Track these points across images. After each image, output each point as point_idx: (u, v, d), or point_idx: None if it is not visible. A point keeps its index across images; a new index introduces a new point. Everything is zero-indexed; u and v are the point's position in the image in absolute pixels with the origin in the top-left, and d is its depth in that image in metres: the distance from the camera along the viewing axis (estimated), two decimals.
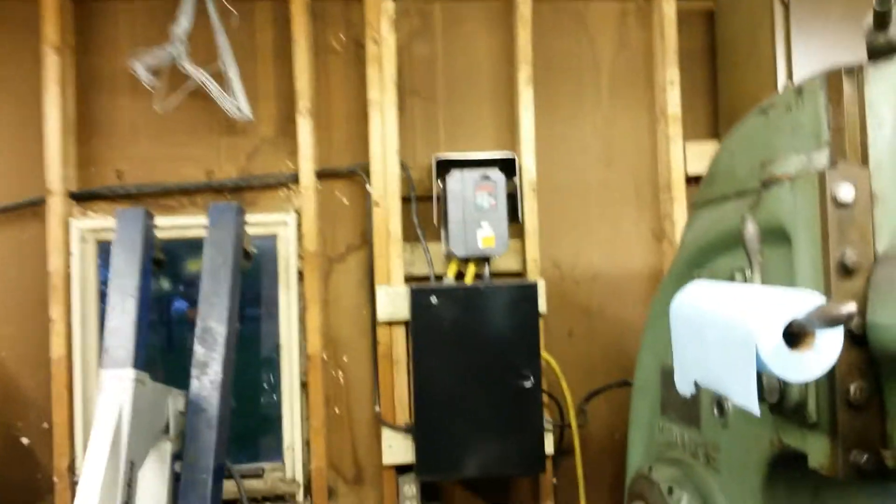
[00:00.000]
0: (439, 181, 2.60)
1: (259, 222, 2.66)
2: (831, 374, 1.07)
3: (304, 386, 2.67)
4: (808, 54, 2.33)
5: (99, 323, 2.60)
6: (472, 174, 2.53)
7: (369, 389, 2.70)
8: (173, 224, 2.62)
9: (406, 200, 2.68)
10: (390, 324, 2.62)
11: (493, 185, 2.53)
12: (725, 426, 1.51)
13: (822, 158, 1.23)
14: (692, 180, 2.75)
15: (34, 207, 2.61)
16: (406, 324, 2.60)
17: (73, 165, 2.64)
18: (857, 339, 1.08)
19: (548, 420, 2.60)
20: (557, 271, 2.81)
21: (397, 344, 2.62)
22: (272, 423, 2.74)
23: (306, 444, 2.66)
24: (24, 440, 2.59)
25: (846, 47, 2.28)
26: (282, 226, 2.70)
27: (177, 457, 1.95)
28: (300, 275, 2.68)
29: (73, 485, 2.45)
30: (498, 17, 2.82)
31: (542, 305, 2.57)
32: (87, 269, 2.64)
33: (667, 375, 1.84)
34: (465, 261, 2.61)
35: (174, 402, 1.98)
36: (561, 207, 2.82)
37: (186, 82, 2.59)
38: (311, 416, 2.63)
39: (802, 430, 1.19)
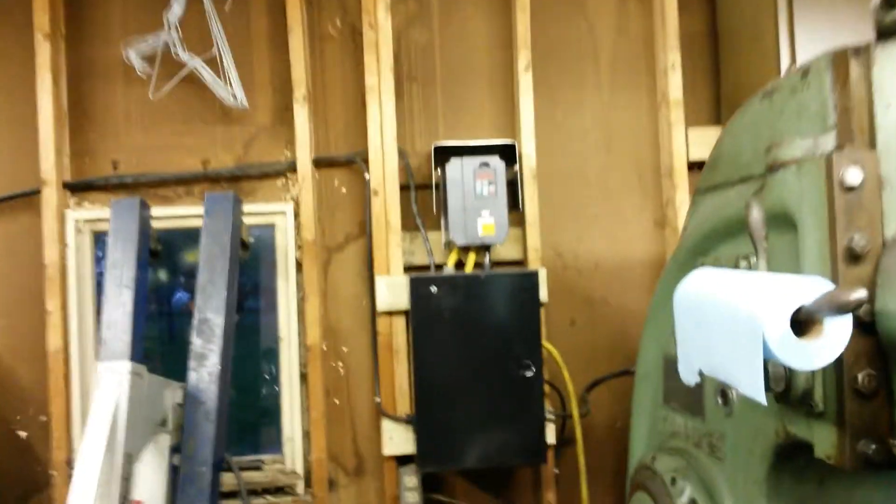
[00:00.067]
0: (438, 169, 2.57)
1: (256, 212, 2.64)
2: (839, 363, 1.05)
3: (303, 377, 2.66)
4: (811, 37, 2.29)
5: (96, 315, 2.59)
6: (472, 161, 2.50)
7: (369, 380, 2.68)
8: (169, 214, 2.61)
9: (405, 189, 2.66)
10: (390, 314, 2.60)
11: (492, 172, 2.51)
12: (729, 415, 1.49)
13: (828, 142, 1.20)
14: (694, 166, 2.72)
15: (28, 198, 2.59)
16: (406, 313, 2.58)
17: (67, 155, 2.61)
18: (865, 326, 1.06)
19: (549, 410, 2.58)
20: (559, 260, 2.79)
21: (397, 334, 2.60)
22: (273, 414, 2.73)
23: (306, 435, 2.65)
24: (22, 433, 2.58)
25: (851, 30, 2.24)
26: (280, 215, 2.68)
27: (175, 450, 1.94)
28: (299, 265, 2.66)
29: (71, 478, 2.44)
30: (496, 2, 2.77)
31: (544, 294, 2.55)
32: (82, 260, 2.62)
33: (670, 364, 1.82)
34: (465, 249, 2.59)
35: (172, 395, 1.97)
36: (562, 195, 2.79)
37: (180, 70, 2.56)
38: (310, 407, 2.61)
39: (809, 419, 1.16)
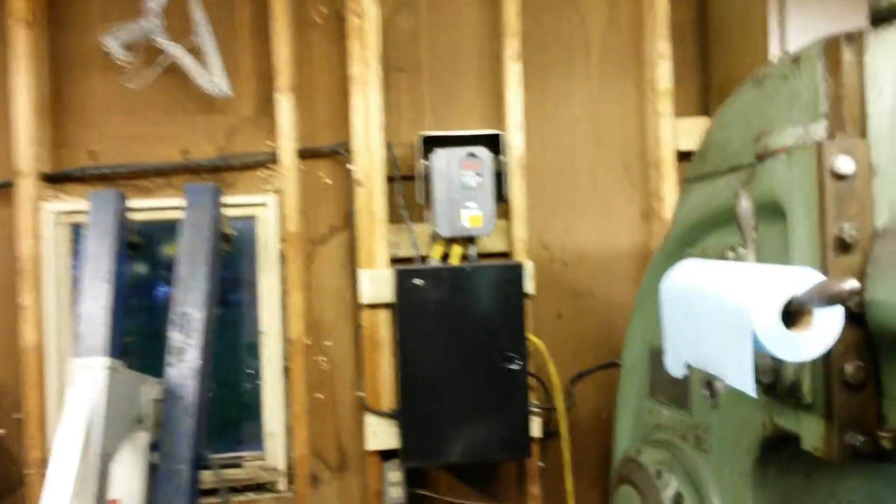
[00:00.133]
0: (424, 160, 2.53)
1: (238, 204, 2.59)
2: (827, 354, 1.03)
3: (286, 371, 2.62)
4: (802, 27, 2.27)
5: (73, 309, 2.53)
6: (458, 152, 2.47)
7: (353, 374, 2.65)
8: (149, 206, 2.55)
9: (390, 180, 2.62)
10: (374, 307, 2.57)
11: (479, 162, 2.48)
12: (715, 408, 1.47)
13: (819, 130, 1.19)
14: (683, 157, 2.70)
15: (3, 190, 2.52)
16: (390, 307, 2.55)
17: (44, 146, 2.55)
18: (854, 317, 1.04)
19: (534, 403, 2.57)
20: (546, 252, 2.76)
21: (381, 327, 2.57)
22: (254, 410, 2.69)
23: (288, 430, 2.61)
24: None
25: (842, 19, 2.22)
26: (262, 207, 2.63)
27: (153, 447, 1.89)
28: (281, 257, 2.62)
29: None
30: None
31: (530, 286, 2.52)
32: (59, 253, 2.56)
33: (655, 356, 1.80)
34: (450, 241, 2.56)
35: (150, 391, 1.93)
36: (549, 186, 2.76)
37: (161, 58, 2.51)
38: (293, 402, 2.58)
39: (797, 411, 1.15)
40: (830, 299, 0.84)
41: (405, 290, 2.39)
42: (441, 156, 2.48)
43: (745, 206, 1.22)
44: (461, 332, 2.39)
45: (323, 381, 2.66)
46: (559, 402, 2.62)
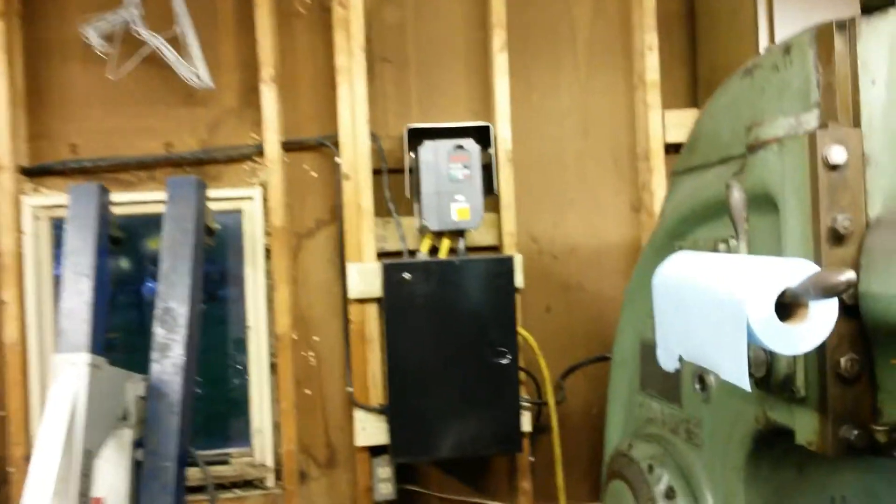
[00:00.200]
0: (411, 152, 2.50)
1: (223, 197, 2.56)
2: (821, 347, 1.02)
3: (273, 367, 2.59)
4: (791, 19, 2.26)
5: (55, 305, 2.49)
6: (446, 144, 2.45)
7: (341, 369, 2.63)
8: (131, 200, 2.52)
9: (377, 173, 2.59)
10: (362, 301, 2.54)
11: (467, 155, 2.45)
12: (707, 401, 1.46)
13: (811, 120, 1.17)
14: (671, 149, 2.69)
15: None
16: (379, 301, 2.53)
17: (23, 139, 2.52)
18: (848, 309, 1.03)
19: (525, 397, 2.55)
20: (535, 245, 2.75)
21: (370, 322, 2.55)
22: (241, 406, 2.66)
23: (276, 427, 2.59)
24: None
25: (831, 11, 2.20)
26: (247, 201, 2.60)
27: (138, 444, 1.87)
28: (267, 252, 2.60)
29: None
30: None
31: (519, 280, 2.51)
32: (40, 248, 2.53)
33: (647, 350, 1.79)
34: (439, 235, 2.54)
35: (134, 388, 1.90)
36: (537, 179, 2.74)
37: (141, 49, 2.46)
38: (280, 398, 2.55)
39: (790, 405, 1.14)
40: (827, 291, 0.82)
41: (393, 285, 2.37)
42: (429, 148, 2.45)
43: (736, 196, 1.21)
44: (450, 326, 2.37)
45: (311, 376, 2.64)
46: (550, 397, 2.61)
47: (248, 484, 2.56)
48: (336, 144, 2.58)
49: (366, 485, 2.56)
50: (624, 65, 2.78)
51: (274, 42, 2.54)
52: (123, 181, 2.56)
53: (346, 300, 2.57)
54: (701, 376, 1.45)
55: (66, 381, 1.72)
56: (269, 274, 2.59)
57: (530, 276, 2.67)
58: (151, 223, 2.57)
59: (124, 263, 3.10)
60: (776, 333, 0.88)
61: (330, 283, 2.64)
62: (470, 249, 2.57)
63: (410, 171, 2.52)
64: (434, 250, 2.55)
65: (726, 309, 0.93)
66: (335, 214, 2.62)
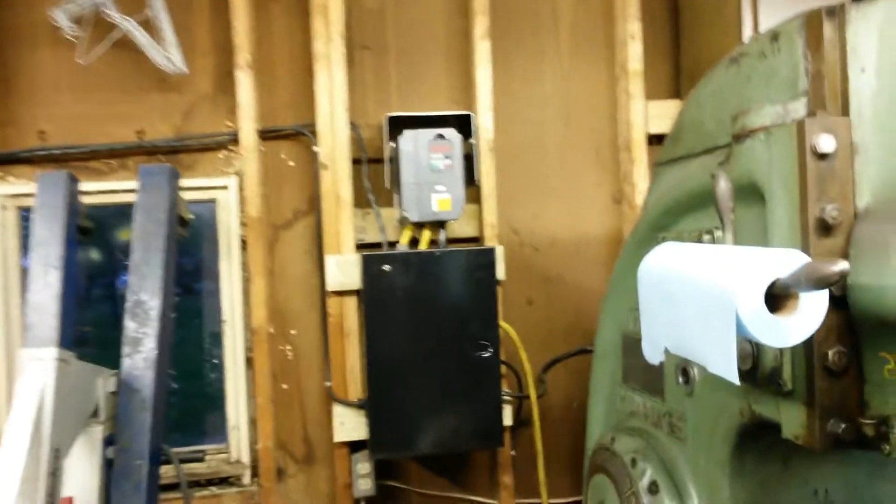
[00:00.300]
0: (391, 142, 2.46)
1: (197, 186, 2.51)
2: (808, 340, 0.99)
3: (249, 361, 2.54)
4: (775, 10, 2.24)
5: (23, 298, 2.41)
6: (427, 134, 2.41)
7: (319, 363, 2.58)
8: (101, 189, 2.46)
9: (357, 162, 2.54)
10: (341, 294, 2.50)
11: (448, 144, 2.41)
12: (690, 395, 1.44)
13: (799, 108, 1.15)
14: (653, 140, 2.68)
15: None
16: (358, 293, 2.49)
17: None
18: (836, 301, 1.01)
19: (506, 391, 2.53)
20: (516, 237, 2.72)
21: (348, 315, 2.51)
22: (217, 402, 2.60)
23: (252, 422, 2.54)
24: None
25: (817, 3, 2.20)
26: (222, 190, 2.55)
27: (109, 442, 1.82)
28: (243, 243, 2.55)
29: None
30: None
31: (501, 272, 2.48)
32: (7, 238, 2.47)
33: (628, 343, 1.77)
34: (419, 226, 2.50)
35: (104, 383, 1.84)
36: (519, 169, 2.71)
37: (112, 32, 2.38)
38: (257, 393, 2.50)
39: (776, 398, 1.12)
40: (820, 282, 0.79)
41: (373, 277, 2.33)
42: (409, 138, 2.40)
43: (723, 186, 1.18)
44: (431, 319, 2.34)
45: (288, 370, 2.59)
46: (531, 390, 2.58)
47: (224, 481, 2.52)
48: (314, 133, 2.53)
49: (345, 481, 2.52)
50: (607, 54, 2.76)
51: (250, 26, 2.48)
52: (94, 169, 2.49)
53: (324, 293, 2.53)
54: (684, 369, 1.43)
55: (32, 376, 1.65)
56: (244, 266, 2.54)
57: (511, 268, 2.65)
58: (123, 213, 2.50)
59: (96, 255, 3.02)
60: (766, 325, 0.85)
61: (308, 275, 2.59)
62: (450, 241, 2.54)
63: (390, 160, 2.48)
64: (414, 242, 2.52)
65: (715, 300, 0.90)
66: (313, 205, 2.57)
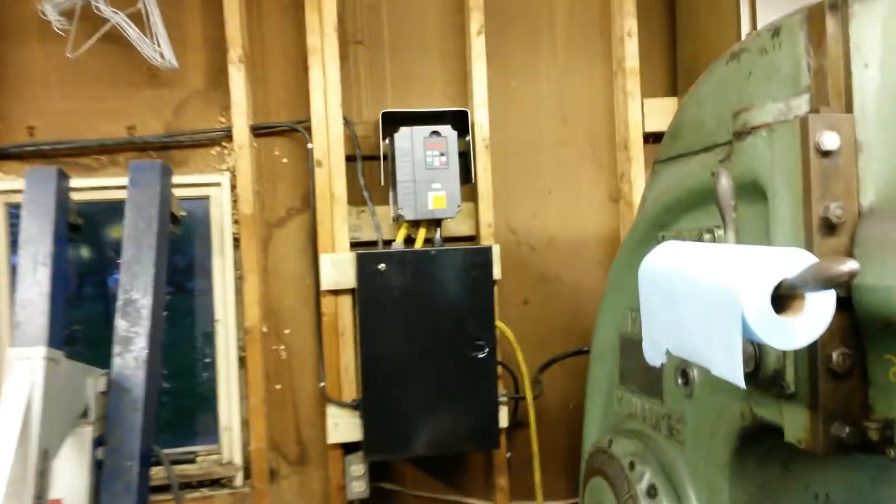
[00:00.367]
0: (387, 139, 2.43)
1: (189, 183, 2.48)
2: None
3: (242, 361, 2.51)
4: (773, 7, 2.22)
5: (11, 296, 2.38)
6: (422, 131, 2.38)
7: (313, 363, 2.56)
8: (91, 185, 2.43)
9: (351, 160, 2.52)
10: (335, 293, 2.47)
11: (444, 141, 2.38)
12: (690, 397, 1.42)
13: (802, 105, 1.13)
14: (650, 138, 2.66)
15: None
16: (352, 292, 2.46)
17: None
18: (841, 302, 0.99)
19: (502, 392, 2.50)
20: (512, 235, 2.70)
21: (343, 314, 2.48)
22: (209, 402, 2.57)
23: (245, 423, 2.51)
24: None
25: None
26: (214, 187, 2.52)
27: (99, 443, 1.79)
28: (236, 241, 2.52)
29: None
30: None
31: (497, 271, 2.45)
32: None
33: (626, 343, 1.75)
34: (414, 224, 2.47)
35: (95, 383, 1.82)
36: (515, 167, 2.69)
37: (102, 26, 2.34)
38: (249, 393, 2.47)
39: (778, 401, 1.10)
40: (828, 282, 0.77)
41: (368, 275, 2.30)
42: (404, 135, 2.37)
43: (724, 184, 1.16)
44: (426, 318, 2.31)
45: (281, 371, 2.56)
46: (528, 391, 2.56)
47: (215, 483, 2.49)
48: (308, 129, 2.49)
49: (338, 483, 2.49)
50: (603, 51, 2.73)
51: (243, 21, 2.44)
52: (84, 166, 2.45)
53: (318, 292, 2.49)
54: (684, 370, 1.41)
55: (21, 376, 1.62)
56: (237, 264, 2.50)
57: (508, 267, 2.63)
58: (114, 210, 2.47)
59: (86, 253, 2.99)
60: (772, 327, 0.83)
61: (301, 273, 2.56)
62: (446, 240, 2.51)
63: (385, 157, 2.45)
64: (410, 240, 2.49)
65: (719, 300, 0.88)
66: (307, 202, 2.54)
